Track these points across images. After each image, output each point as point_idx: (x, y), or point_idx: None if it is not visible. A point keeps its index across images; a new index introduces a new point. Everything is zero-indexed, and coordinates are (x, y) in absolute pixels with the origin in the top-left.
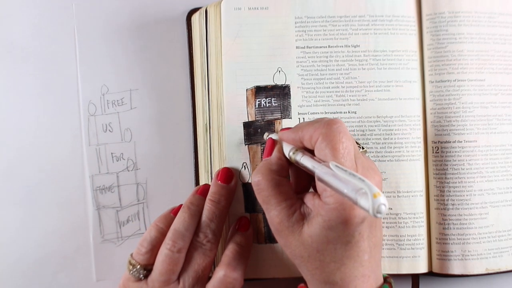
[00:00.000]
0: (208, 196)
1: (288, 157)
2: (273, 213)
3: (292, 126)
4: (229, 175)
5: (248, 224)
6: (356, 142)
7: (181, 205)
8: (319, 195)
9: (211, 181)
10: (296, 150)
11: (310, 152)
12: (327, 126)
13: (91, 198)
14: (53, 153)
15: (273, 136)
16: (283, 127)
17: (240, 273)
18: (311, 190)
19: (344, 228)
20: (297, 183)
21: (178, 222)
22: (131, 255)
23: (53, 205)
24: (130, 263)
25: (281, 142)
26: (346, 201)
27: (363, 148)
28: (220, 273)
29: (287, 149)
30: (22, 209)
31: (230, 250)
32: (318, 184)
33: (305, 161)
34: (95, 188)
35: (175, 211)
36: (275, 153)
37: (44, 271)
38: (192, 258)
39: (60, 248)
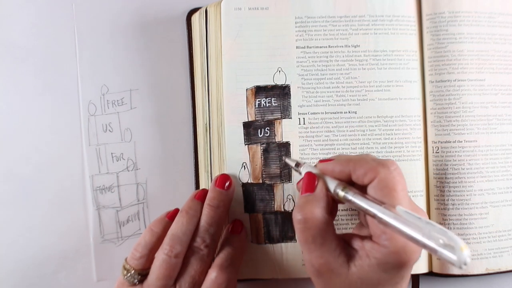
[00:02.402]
0: (206, 201)
1: (332, 193)
2: (317, 253)
3: (293, 127)
4: (227, 181)
5: (241, 227)
6: None
7: (176, 209)
8: (370, 237)
9: (210, 184)
10: (345, 187)
11: (352, 185)
12: (386, 167)
13: (91, 198)
14: (53, 153)
15: (312, 169)
16: (283, 127)
17: (233, 275)
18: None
19: (398, 271)
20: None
21: (176, 227)
22: (126, 259)
23: (53, 205)
24: (125, 268)
25: (323, 177)
26: (409, 245)
27: None
28: (212, 275)
29: (332, 184)
30: (22, 209)
31: (223, 252)
32: (375, 226)
33: (359, 200)
34: (95, 188)
35: (170, 216)
36: (321, 188)
37: (44, 271)
38: (189, 264)
39: (60, 248)
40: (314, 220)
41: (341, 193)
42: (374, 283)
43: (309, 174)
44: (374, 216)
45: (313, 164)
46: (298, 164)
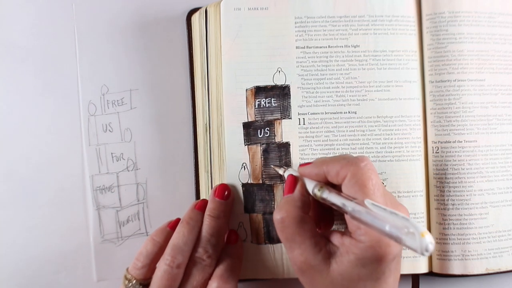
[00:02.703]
0: (207, 212)
1: (312, 194)
2: (297, 251)
3: (293, 127)
4: (226, 191)
5: (236, 237)
6: None
7: (177, 219)
8: (349, 233)
9: (210, 191)
10: (322, 186)
11: (332, 187)
12: (355, 164)
13: (91, 198)
14: (53, 153)
15: (294, 172)
16: (283, 127)
17: (233, 285)
18: (331, 227)
19: (377, 265)
20: (318, 219)
21: (177, 237)
22: (127, 269)
23: (53, 205)
24: (126, 278)
25: (302, 179)
26: (383, 239)
27: (382, 182)
28: (213, 285)
29: (311, 186)
30: (22, 209)
31: (222, 263)
32: (350, 222)
33: (333, 198)
34: (95, 188)
35: (171, 225)
36: (298, 189)
37: (44, 271)
38: (190, 274)
39: (60, 248)
40: (291, 218)
41: (318, 193)
42: (354, 278)
43: (290, 177)
44: (346, 212)
45: (296, 169)
46: (284, 171)
